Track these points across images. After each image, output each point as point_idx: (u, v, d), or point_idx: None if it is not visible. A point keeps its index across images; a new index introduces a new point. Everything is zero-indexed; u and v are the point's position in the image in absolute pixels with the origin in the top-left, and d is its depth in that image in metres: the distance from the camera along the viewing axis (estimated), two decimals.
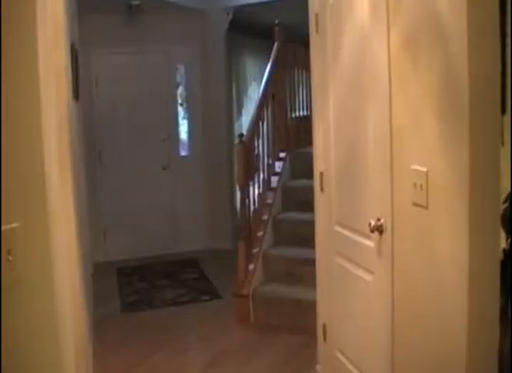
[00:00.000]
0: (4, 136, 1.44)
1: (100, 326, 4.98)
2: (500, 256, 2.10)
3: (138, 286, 6.43)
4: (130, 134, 7.55)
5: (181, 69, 7.92)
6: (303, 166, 5.61)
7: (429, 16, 2.21)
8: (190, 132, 8.05)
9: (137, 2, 7.06)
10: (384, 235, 2.69)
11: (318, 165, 3.59)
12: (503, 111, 2.06)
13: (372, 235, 2.78)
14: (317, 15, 3.50)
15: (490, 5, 1.98)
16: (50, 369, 1.65)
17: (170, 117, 7.84)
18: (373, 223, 2.71)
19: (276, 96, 6.20)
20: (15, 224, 1.46)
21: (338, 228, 3.34)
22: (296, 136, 6.42)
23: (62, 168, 2.34)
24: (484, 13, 1.98)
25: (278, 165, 6.22)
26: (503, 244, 2.17)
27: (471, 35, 1.97)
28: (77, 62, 5.12)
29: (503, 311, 2.11)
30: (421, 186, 2.29)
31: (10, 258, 1.44)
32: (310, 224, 3.82)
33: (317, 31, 3.51)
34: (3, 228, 1.42)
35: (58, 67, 2.53)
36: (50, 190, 1.63)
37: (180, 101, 8.03)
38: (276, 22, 6.26)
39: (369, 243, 2.86)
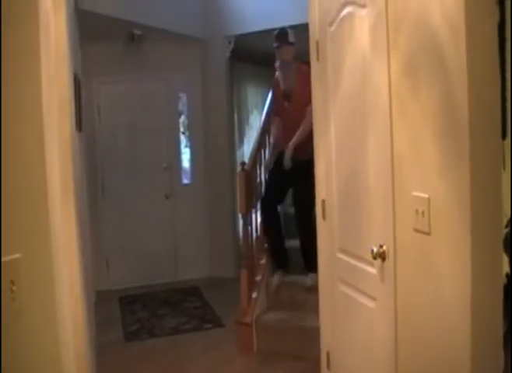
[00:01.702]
0: (7, 167, 1.45)
1: (103, 355, 4.96)
2: (503, 280, 2.10)
3: (140, 314, 6.40)
4: (132, 162, 7.57)
5: (183, 98, 7.98)
6: None
7: (428, 44, 2.24)
8: (192, 160, 8.07)
9: (138, 32, 7.12)
10: (386, 262, 2.68)
11: (320, 193, 3.59)
12: (504, 135, 2.07)
13: (374, 261, 2.77)
14: (317, 42, 3.53)
15: (489, 33, 2.00)
16: None
17: (172, 146, 7.87)
18: (375, 250, 2.71)
19: None
20: (17, 255, 1.47)
21: (340, 255, 3.33)
22: None
23: (65, 198, 2.35)
24: (482, 40, 2.01)
25: None
26: (506, 268, 2.17)
27: (470, 61, 1.99)
28: (80, 93, 5.16)
29: (507, 336, 2.10)
30: (423, 212, 2.29)
31: (13, 288, 1.44)
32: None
33: (317, 59, 3.54)
34: (5, 259, 1.43)
35: (61, 99, 2.56)
36: (53, 221, 1.64)
37: (182, 129, 8.07)
38: None
39: (372, 270, 2.86)
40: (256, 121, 9.18)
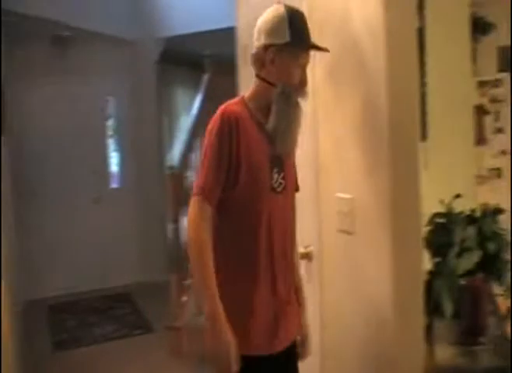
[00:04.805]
0: None
1: (30, 367, 4.82)
2: (424, 276, 2.16)
3: (69, 323, 6.28)
4: (61, 167, 7.41)
5: (112, 101, 7.87)
6: None
7: (350, 49, 2.28)
8: (121, 164, 7.97)
9: (66, 33, 6.99)
10: (312, 262, 2.71)
11: None
12: (424, 137, 2.13)
13: (301, 262, 2.80)
14: (246, 46, 3.53)
15: (408, 37, 2.07)
16: None
17: (99, 150, 7.76)
18: (302, 250, 2.74)
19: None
20: None
21: None
22: None
23: None
24: (401, 45, 2.07)
25: None
26: (428, 265, 2.24)
27: (389, 65, 2.04)
28: (1, 96, 5.06)
29: (429, 330, 2.17)
30: (346, 212, 2.33)
31: None
32: None
33: (245, 63, 3.54)
34: None
35: None
36: None
37: (110, 133, 7.97)
38: (206, 53, 6.27)
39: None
40: (186, 124, 9.13)
